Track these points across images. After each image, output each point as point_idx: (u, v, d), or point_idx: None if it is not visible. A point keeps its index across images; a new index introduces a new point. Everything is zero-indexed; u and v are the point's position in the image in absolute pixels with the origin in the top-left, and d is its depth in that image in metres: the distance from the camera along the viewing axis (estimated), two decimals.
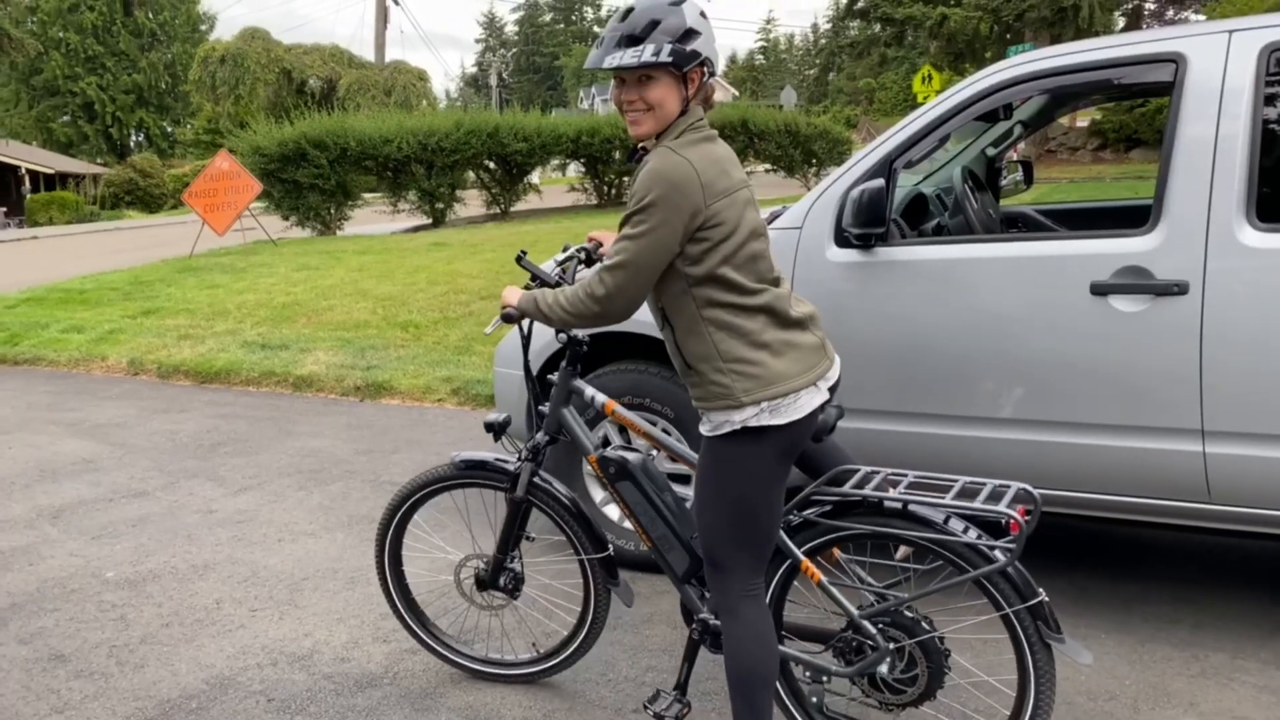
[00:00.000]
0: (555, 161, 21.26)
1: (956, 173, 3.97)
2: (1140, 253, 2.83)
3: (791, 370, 2.09)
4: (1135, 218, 4.13)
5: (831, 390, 2.20)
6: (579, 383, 2.61)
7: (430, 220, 18.03)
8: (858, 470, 2.30)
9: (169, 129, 65.37)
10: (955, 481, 2.19)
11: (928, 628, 2.23)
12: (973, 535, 2.12)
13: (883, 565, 2.39)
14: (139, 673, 3.09)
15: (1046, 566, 3.54)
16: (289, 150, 15.82)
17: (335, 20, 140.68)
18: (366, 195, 18.18)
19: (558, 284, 2.54)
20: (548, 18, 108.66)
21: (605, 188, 20.33)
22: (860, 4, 30.45)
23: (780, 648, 2.34)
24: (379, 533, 2.92)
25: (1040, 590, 2.10)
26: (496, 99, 64.31)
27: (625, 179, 20.12)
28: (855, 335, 3.20)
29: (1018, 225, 4.62)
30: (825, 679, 2.39)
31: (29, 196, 37.43)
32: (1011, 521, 2.02)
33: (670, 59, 2.00)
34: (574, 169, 22.60)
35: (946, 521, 2.14)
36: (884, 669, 2.26)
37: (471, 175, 18.80)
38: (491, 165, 18.56)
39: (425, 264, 11.10)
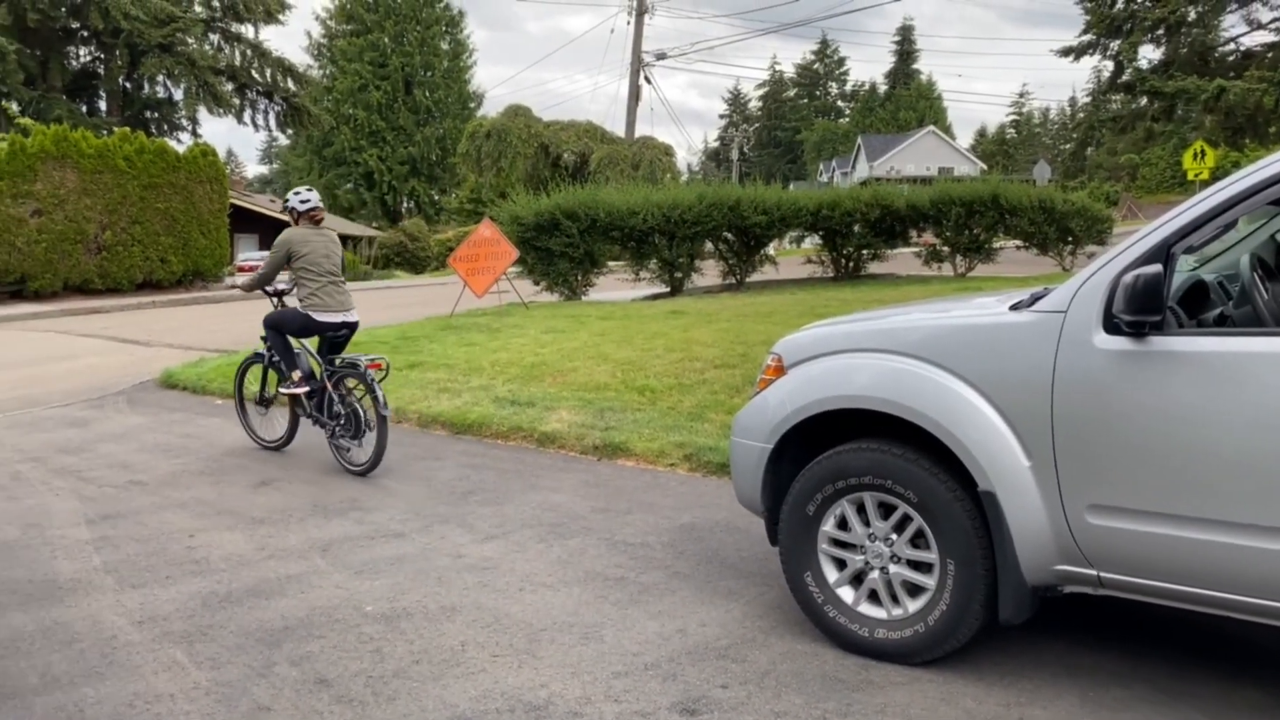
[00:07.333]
0: (792, 234, 21.25)
1: (1244, 259, 3.66)
2: None
3: (318, 303, 6.62)
4: None
5: (345, 328, 6.80)
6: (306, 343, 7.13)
7: (668, 289, 18.51)
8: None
9: (436, 197, 71.22)
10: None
11: (354, 402, 6.49)
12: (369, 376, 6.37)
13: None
14: (391, 705, 3.30)
15: None
16: (544, 220, 16.74)
17: (591, 98, 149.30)
18: (610, 263, 18.90)
19: (278, 293, 7.13)
20: (791, 93, 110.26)
21: (844, 261, 20.02)
22: (1125, 77, 28.86)
23: (337, 409, 6.61)
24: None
25: (380, 396, 6.20)
26: (736, 172, 65.61)
27: (864, 252, 19.81)
28: (1124, 426, 3.00)
29: None
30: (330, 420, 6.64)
31: None
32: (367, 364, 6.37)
33: (285, 214, 6.98)
34: (809, 241, 22.47)
35: (366, 368, 6.32)
36: (341, 419, 6.51)
37: (710, 246, 19.16)
38: (730, 237, 18.86)
39: (663, 330, 11.38)
